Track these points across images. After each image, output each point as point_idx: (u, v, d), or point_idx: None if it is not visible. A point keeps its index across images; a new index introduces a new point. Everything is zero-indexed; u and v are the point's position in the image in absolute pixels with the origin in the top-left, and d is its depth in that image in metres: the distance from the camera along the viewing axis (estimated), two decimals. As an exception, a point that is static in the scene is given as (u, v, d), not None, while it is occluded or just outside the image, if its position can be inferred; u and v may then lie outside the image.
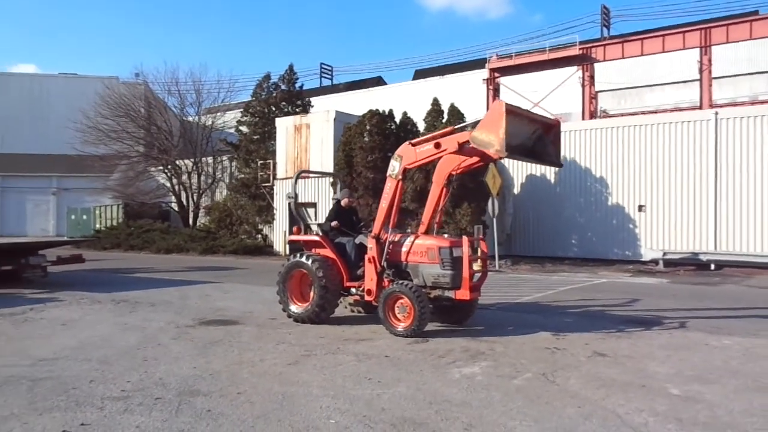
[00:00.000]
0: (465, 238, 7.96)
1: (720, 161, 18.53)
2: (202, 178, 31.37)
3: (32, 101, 50.01)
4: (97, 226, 33.04)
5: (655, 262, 18.87)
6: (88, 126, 30.08)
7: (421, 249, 8.16)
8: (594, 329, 8.34)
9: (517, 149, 7.71)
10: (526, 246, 21.95)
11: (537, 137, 8.09)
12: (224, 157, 31.11)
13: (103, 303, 10.89)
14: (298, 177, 9.77)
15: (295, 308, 8.91)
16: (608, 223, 20.51)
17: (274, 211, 24.52)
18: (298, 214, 9.70)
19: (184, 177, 31.15)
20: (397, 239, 8.39)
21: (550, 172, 21.63)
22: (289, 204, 10.12)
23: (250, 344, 7.46)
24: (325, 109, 26.45)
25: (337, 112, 23.88)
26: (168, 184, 31.95)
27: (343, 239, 9.08)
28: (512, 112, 7.35)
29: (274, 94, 27.63)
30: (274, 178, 24.51)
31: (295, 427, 4.54)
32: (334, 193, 9.77)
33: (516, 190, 22.42)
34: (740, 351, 7.04)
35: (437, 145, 7.86)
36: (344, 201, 9.54)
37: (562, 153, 21.53)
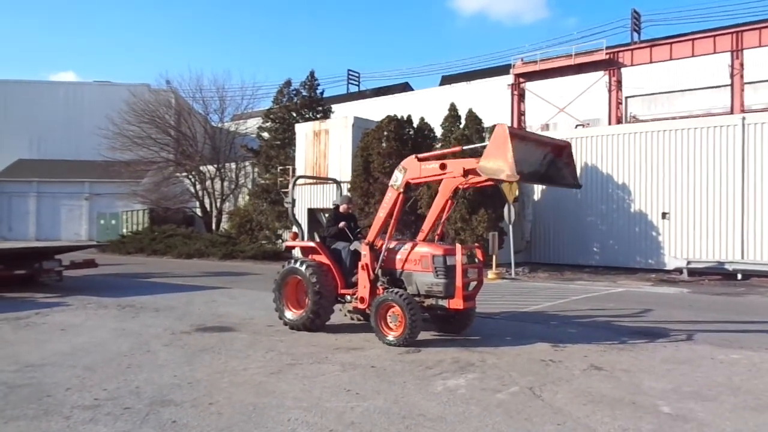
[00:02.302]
0: (459, 246, 7.74)
1: (747, 167, 17.88)
2: (225, 183, 31.68)
3: (67, 108, 51.50)
4: (124, 230, 33.64)
5: (679, 271, 18.27)
6: (115, 132, 30.69)
7: (415, 257, 7.98)
8: (596, 341, 8.02)
9: (529, 176, 7.45)
10: (546, 253, 21.51)
11: (549, 162, 7.75)
12: (246, 163, 31.38)
13: (109, 308, 10.97)
14: (295, 182, 9.69)
15: (291, 315, 8.81)
16: (631, 231, 19.97)
17: (293, 217, 24.54)
18: (295, 220, 9.62)
19: (208, 182, 31.51)
20: (392, 246, 8.23)
21: (571, 178, 21.16)
22: (288, 209, 10.03)
23: (239, 352, 7.37)
24: (345, 115, 26.44)
25: (355, 117, 23.84)
26: (192, 190, 32.37)
27: (339, 245, 8.96)
28: (516, 135, 7.07)
29: (295, 101, 27.74)
30: (295, 184, 24.53)
31: (256, 440, 4.41)
32: (338, 198, 9.66)
33: (536, 196, 22.04)
34: (747, 366, 6.66)
35: (443, 167, 7.57)
36: (343, 207, 9.42)
37: (584, 159, 21.27)
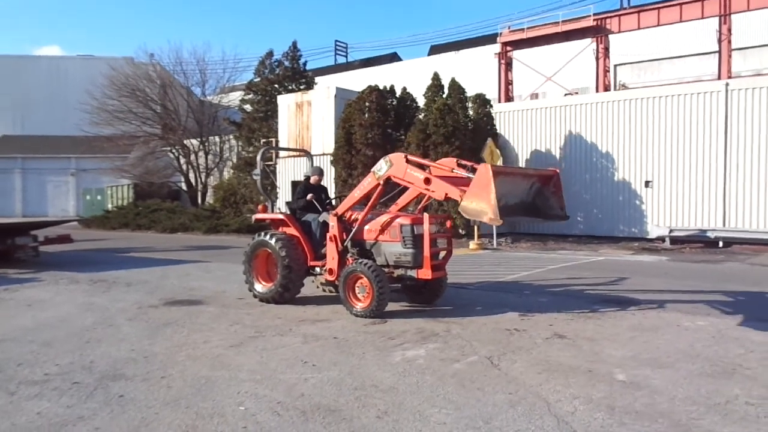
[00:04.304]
0: (426, 215, 7.62)
1: (730, 134, 17.76)
2: (210, 157, 31.35)
3: (51, 83, 50.67)
4: (109, 206, 33.38)
5: (661, 239, 18.28)
6: (95, 107, 30.19)
7: (383, 227, 7.88)
8: (565, 309, 7.99)
9: (515, 208, 7.23)
10: (529, 223, 21.42)
11: (535, 191, 7.57)
12: (230, 137, 31.01)
13: (80, 283, 10.85)
14: (263, 154, 9.52)
15: (260, 288, 8.73)
16: (614, 200, 19.91)
17: (278, 190, 24.35)
18: (263, 192, 9.47)
19: (192, 156, 31.17)
20: (361, 217, 8.11)
21: (555, 147, 21.05)
22: (256, 181, 9.87)
23: (203, 325, 7.29)
24: (328, 86, 26.07)
25: (337, 88, 23.49)
26: (176, 164, 32.04)
27: (309, 217, 8.84)
28: (501, 173, 6.84)
29: (277, 72, 27.28)
30: (278, 156, 24.32)
31: (200, 413, 4.34)
32: (309, 170, 9.47)
33: (521, 165, 21.88)
34: (712, 333, 6.64)
35: (427, 181, 7.18)
36: (313, 179, 9.27)
37: (568, 128, 21.09)
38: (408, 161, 7.50)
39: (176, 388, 4.89)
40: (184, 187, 32.56)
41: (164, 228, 26.11)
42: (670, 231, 18.14)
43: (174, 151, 31.72)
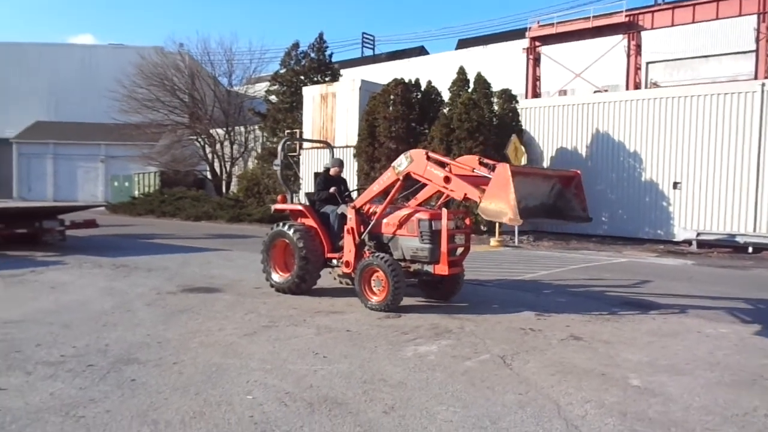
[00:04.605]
0: (445, 211, 7.55)
1: (765, 136, 17.25)
2: (235, 147, 31.60)
3: (83, 71, 51.64)
4: (136, 192, 33.90)
5: (688, 242, 17.89)
6: (124, 95, 30.64)
7: (401, 221, 7.84)
8: (584, 310, 7.86)
9: (535, 210, 7.15)
10: (553, 222, 21.17)
11: (557, 193, 7.48)
12: (255, 127, 31.21)
13: (103, 267, 11.03)
14: (284, 144, 9.53)
15: (277, 278, 8.77)
16: (641, 200, 19.54)
17: (301, 181, 24.43)
18: (283, 183, 9.48)
19: (218, 146, 31.46)
20: (379, 210, 8.07)
21: (581, 145, 20.73)
22: (277, 171, 9.89)
23: (219, 313, 7.35)
24: (353, 78, 26.03)
25: (362, 81, 23.44)
26: (202, 153, 32.38)
27: (328, 209, 8.84)
28: (519, 173, 6.73)
29: (303, 63, 27.31)
30: (301, 147, 24.39)
31: (209, 400, 4.37)
32: (330, 161, 9.47)
33: (545, 163, 21.60)
34: (734, 341, 6.46)
35: (447, 180, 7.11)
36: (333, 170, 9.26)
37: (595, 126, 20.74)
38: (429, 158, 7.42)
39: (187, 375, 4.93)
40: (209, 176, 32.88)
41: (188, 216, 26.40)
42: (698, 234, 17.74)
43: (200, 140, 32.04)
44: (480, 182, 7.04)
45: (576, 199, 7.53)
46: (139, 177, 35.65)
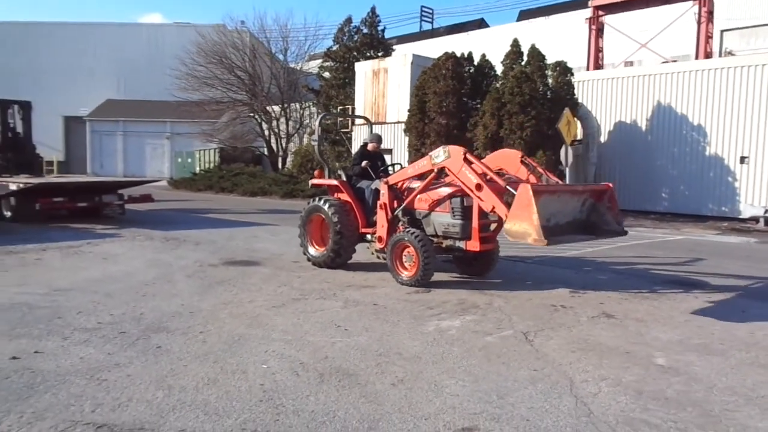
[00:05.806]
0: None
1: (844, 106, 16.00)
2: (290, 123, 32.06)
3: (150, 50, 53.38)
4: (197, 168, 35.05)
5: (755, 219, 16.93)
6: (185, 73, 31.53)
7: (434, 197, 7.78)
8: (622, 288, 7.62)
9: (566, 228, 6.93)
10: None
11: (589, 207, 7.27)
12: (310, 103, 31.52)
13: (154, 240, 11.52)
14: (321, 119, 9.58)
15: (314, 252, 8.92)
16: (704, 176, 18.56)
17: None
18: (321, 158, 9.57)
19: (274, 123, 32.01)
20: (413, 186, 8.03)
21: (641, 118, 19.84)
22: (314, 147, 9.97)
23: (253, 285, 7.55)
24: (405, 53, 25.77)
25: (414, 55, 23.17)
26: (258, 130, 33.04)
27: (363, 184, 8.87)
28: (543, 192, 6.46)
29: (356, 38, 27.24)
30: (353, 123, 24.48)
31: (225, 368, 4.52)
32: (368, 137, 9.48)
33: (603, 138, 20.83)
34: (780, 322, 6.11)
35: (478, 187, 6.90)
36: (371, 145, 9.27)
37: (657, 98, 19.77)
38: (466, 159, 7.23)
39: (210, 343, 5.11)
40: (266, 152, 33.57)
41: (245, 191, 27.10)
42: (766, 211, 16.76)
43: (257, 117, 32.68)
44: (514, 186, 6.82)
45: (610, 213, 7.32)
46: (200, 153, 36.82)
